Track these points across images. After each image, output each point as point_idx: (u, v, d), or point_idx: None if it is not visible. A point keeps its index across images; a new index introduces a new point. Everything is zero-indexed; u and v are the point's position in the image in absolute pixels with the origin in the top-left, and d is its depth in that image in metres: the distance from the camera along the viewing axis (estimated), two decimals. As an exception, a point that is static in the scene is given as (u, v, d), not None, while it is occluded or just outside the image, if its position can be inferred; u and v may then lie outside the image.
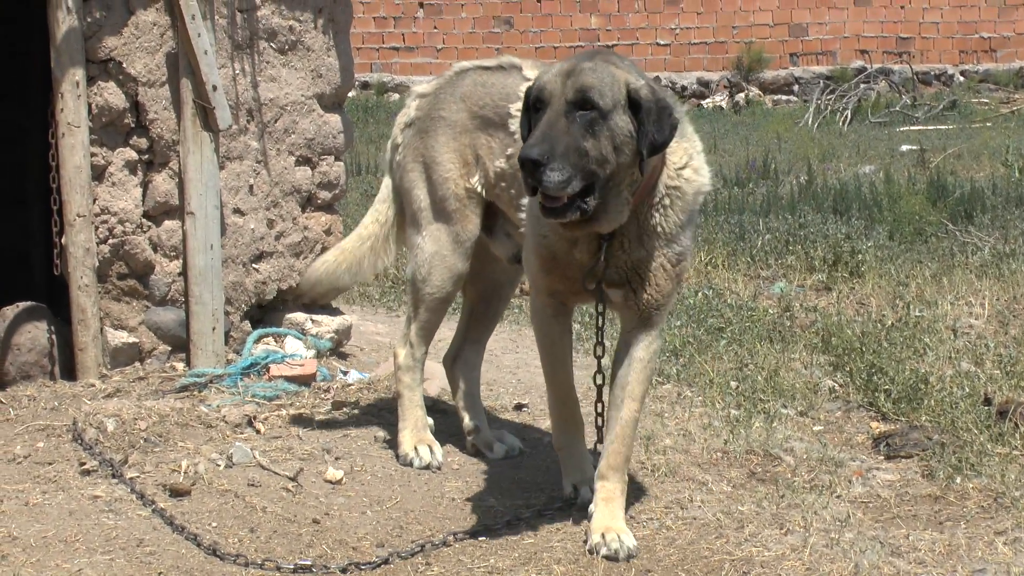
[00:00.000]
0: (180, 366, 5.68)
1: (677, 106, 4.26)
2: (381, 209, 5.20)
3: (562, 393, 4.61)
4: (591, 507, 4.37)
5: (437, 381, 5.47)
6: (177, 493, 4.60)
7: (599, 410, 4.51)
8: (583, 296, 4.51)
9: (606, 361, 4.55)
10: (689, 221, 4.42)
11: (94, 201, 5.55)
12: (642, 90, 4.10)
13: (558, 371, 4.58)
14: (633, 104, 4.08)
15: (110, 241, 5.60)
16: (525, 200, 4.50)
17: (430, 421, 5.13)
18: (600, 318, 4.46)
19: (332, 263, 5.29)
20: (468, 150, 4.86)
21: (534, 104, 4.17)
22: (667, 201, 4.30)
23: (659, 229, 4.31)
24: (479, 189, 4.91)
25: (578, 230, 4.21)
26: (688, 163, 4.36)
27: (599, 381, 4.51)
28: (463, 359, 5.16)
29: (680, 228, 4.37)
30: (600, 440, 4.50)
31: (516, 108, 4.53)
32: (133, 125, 5.61)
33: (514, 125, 4.56)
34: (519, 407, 5.75)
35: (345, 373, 5.79)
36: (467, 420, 5.15)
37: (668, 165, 4.28)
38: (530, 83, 4.34)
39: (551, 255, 4.39)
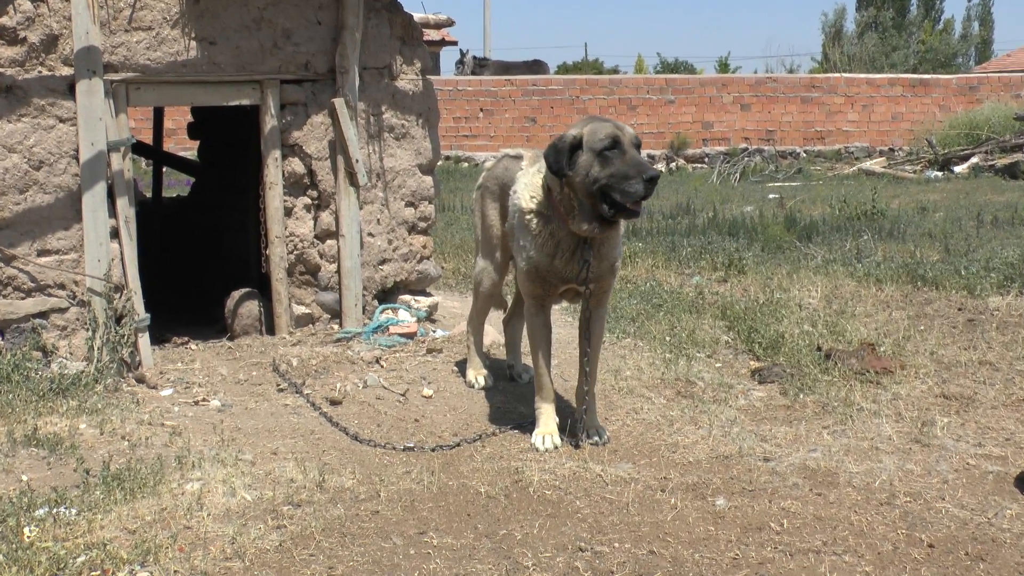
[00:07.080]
0: (335, 327, 5.64)
1: None
2: None
3: (541, 365, 4.14)
4: (581, 412, 4.09)
5: (490, 337, 5.38)
6: (334, 403, 4.59)
7: (582, 351, 4.17)
8: (555, 297, 4.10)
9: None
10: (620, 241, 4.06)
11: (285, 228, 5.51)
12: None
13: (539, 349, 4.14)
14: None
15: (294, 252, 5.56)
16: (521, 241, 4.03)
17: (485, 361, 5.03)
18: (585, 299, 4.03)
19: None
20: (501, 208, 4.52)
21: (598, 145, 3.68)
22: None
23: (611, 244, 3.96)
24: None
25: (612, 229, 3.83)
26: None
27: (582, 336, 4.17)
28: (511, 323, 5.03)
29: (618, 244, 4.04)
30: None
31: (515, 187, 4.11)
32: (308, 183, 5.56)
33: (512, 197, 4.11)
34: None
35: (434, 332, 5.73)
36: (508, 359, 5.06)
37: None
38: (528, 158, 4.14)
39: (535, 268, 3.97)
